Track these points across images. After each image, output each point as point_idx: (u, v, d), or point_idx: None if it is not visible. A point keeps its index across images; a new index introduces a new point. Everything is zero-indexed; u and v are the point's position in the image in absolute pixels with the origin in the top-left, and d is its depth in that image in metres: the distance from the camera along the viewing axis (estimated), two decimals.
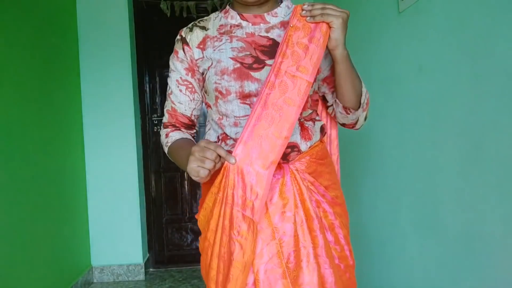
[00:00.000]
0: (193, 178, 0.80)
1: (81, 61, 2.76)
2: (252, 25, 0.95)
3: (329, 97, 1.03)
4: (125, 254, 2.82)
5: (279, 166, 0.94)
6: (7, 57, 1.90)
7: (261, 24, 0.95)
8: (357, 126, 1.05)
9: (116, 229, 2.79)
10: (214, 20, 1.00)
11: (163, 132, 1.07)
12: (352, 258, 1.04)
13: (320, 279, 0.90)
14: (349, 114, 0.97)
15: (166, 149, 1.04)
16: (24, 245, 1.95)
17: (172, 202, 3.11)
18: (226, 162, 0.81)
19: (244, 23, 0.96)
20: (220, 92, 0.96)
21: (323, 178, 0.99)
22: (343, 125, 1.07)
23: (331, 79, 0.98)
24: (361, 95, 0.96)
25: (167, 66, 3.11)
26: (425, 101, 1.37)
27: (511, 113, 0.97)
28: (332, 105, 1.03)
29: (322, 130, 1.04)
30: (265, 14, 0.95)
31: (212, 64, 0.96)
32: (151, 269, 3.03)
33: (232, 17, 0.97)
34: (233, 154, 0.81)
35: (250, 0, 0.91)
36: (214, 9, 2.96)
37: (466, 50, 1.13)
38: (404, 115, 1.54)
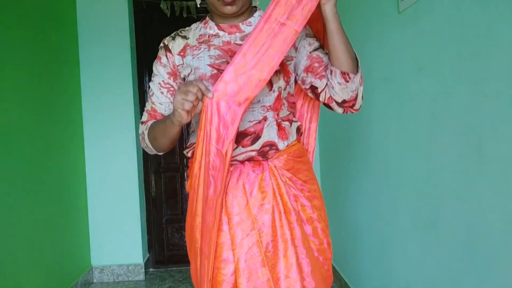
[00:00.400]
0: (178, 113, 0.87)
1: (81, 61, 2.76)
2: (228, 34, 1.05)
3: (318, 83, 1.02)
4: (125, 254, 2.82)
5: (259, 163, 1.02)
6: (7, 57, 1.90)
7: (237, 33, 1.05)
8: (357, 105, 1.01)
9: (116, 229, 2.79)
10: (194, 30, 1.09)
11: (140, 128, 1.11)
12: (330, 251, 1.09)
13: (298, 267, 0.96)
14: (348, 81, 0.94)
15: (146, 135, 1.07)
16: (24, 245, 1.95)
17: (172, 202, 3.11)
18: (206, 100, 0.89)
19: (221, 33, 1.05)
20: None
21: (301, 174, 1.06)
22: (343, 105, 1.00)
23: (313, 66, 1.02)
24: (356, 59, 0.97)
25: None
26: (425, 101, 1.37)
27: (511, 113, 0.97)
28: (324, 89, 1.01)
29: (299, 130, 1.11)
30: (240, 24, 1.05)
31: (191, 71, 1.05)
32: (151, 269, 3.03)
33: (210, 27, 1.07)
34: (212, 90, 0.89)
35: (229, 12, 0.99)
36: None
37: (466, 50, 1.13)
38: (404, 115, 1.54)
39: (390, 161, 1.68)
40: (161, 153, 1.12)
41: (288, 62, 1.05)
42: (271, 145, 1.02)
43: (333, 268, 2.62)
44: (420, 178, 1.43)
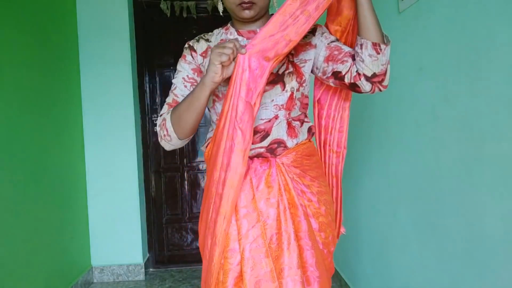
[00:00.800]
0: (214, 67, 0.93)
1: (81, 61, 2.76)
2: (246, 39, 1.10)
3: (340, 67, 1.05)
4: (125, 254, 2.82)
5: (267, 160, 1.07)
6: (7, 57, 1.90)
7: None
8: (386, 81, 1.02)
9: (116, 229, 2.79)
10: (217, 35, 1.16)
11: (159, 120, 1.10)
12: (334, 245, 1.16)
13: (301, 260, 1.02)
14: (379, 53, 0.97)
15: (168, 120, 1.06)
16: (24, 245, 1.95)
17: (172, 202, 3.11)
18: (238, 57, 0.95)
19: (240, 38, 1.11)
20: (217, 95, 1.10)
21: (310, 171, 1.11)
22: (372, 79, 1.01)
23: (332, 55, 1.06)
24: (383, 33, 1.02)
25: (167, 66, 3.13)
26: (425, 101, 1.37)
27: (511, 113, 0.97)
28: (349, 70, 1.03)
29: (310, 130, 1.15)
30: (257, 29, 1.10)
31: None
32: (151, 269, 3.03)
33: (231, 33, 1.14)
34: (246, 48, 0.95)
35: (247, 16, 1.04)
36: (214, 9, 2.96)
37: (466, 50, 1.13)
38: (404, 115, 1.54)
39: (390, 161, 1.68)
40: (181, 142, 1.10)
41: (301, 65, 1.09)
42: (280, 143, 1.07)
43: (334, 268, 2.62)
44: (420, 178, 1.43)
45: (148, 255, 3.02)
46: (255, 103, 0.96)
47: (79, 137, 2.73)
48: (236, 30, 1.13)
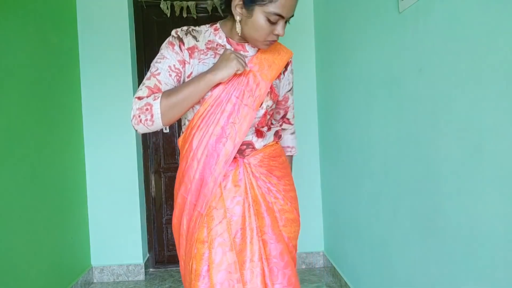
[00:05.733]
0: (231, 70, 1.06)
1: (81, 61, 2.76)
2: (234, 49, 1.16)
3: (276, 112, 1.38)
4: (125, 254, 2.82)
5: (235, 160, 1.17)
6: (7, 57, 1.90)
7: (241, 51, 1.17)
8: None
9: (116, 229, 2.79)
10: (204, 34, 1.19)
11: (138, 103, 1.09)
12: (296, 239, 1.28)
13: (265, 253, 1.13)
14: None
15: (155, 105, 1.07)
16: (24, 245, 1.95)
17: (172, 202, 3.10)
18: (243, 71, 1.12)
19: (228, 46, 1.17)
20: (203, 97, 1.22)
21: (276, 171, 1.23)
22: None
23: (280, 102, 1.34)
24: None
25: None
26: (425, 101, 1.37)
27: (511, 113, 0.97)
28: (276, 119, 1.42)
29: (277, 133, 1.29)
30: (246, 44, 1.18)
31: (192, 74, 1.15)
32: (151, 269, 3.03)
33: (220, 36, 1.18)
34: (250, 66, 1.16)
35: (265, 49, 1.16)
36: (214, 9, 2.97)
37: (466, 50, 1.13)
38: (404, 115, 1.54)
39: (390, 161, 1.68)
40: (161, 128, 1.14)
41: (276, 87, 1.23)
42: (248, 144, 1.18)
43: (334, 268, 2.62)
44: (420, 178, 1.43)
45: (148, 255, 3.02)
46: (256, 109, 1.14)
47: (79, 137, 2.73)
48: (226, 36, 1.18)
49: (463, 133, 1.16)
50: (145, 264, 2.89)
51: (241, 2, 1.07)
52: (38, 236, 2.10)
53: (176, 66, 1.14)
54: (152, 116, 1.07)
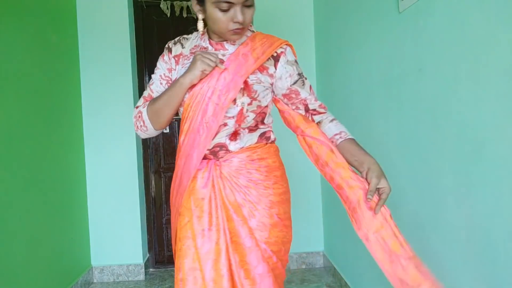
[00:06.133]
0: (196, 71, 1.09)
1: (81, 61, 2.76)
2: (214, 50, 1.19)
3: (294, 108, 1.24)
4: (125, 254, 2.82)
5: (207, 161, 1.18)
6: (7, 57, 1.90)
7: (221, 50, 1.19)
8: None
9: (116, 229, 2.79)
10: (193, 40, 1.24)
11: (135, 112, 1.24)
12: (283, 245, 1.21)
13: (225, 254, 1.11)
14: None
15: (144, 112, 1.20)
16: (24, 245, 1.95)
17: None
18: (216, 69, 1.12)
19: (210, 47, 1.20)
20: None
21: (256, 174, 1.18)
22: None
23: (290, 96, 1.22)
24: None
25: None
26: (425, 101, 1.37)
27: (511, 113, 0.97)
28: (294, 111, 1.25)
29: (263, 135, 1.23)
30: (225, 42, 1.19)
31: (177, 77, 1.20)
32: (151, 269, 3.03)
33: (204, 40, 1.22)
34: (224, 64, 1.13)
35: (235, 39, 1.15)
36: None
37: (466, 50, 1.13)
38: (404, 115, 1.54)
39: (390, 161, 1.68)
40: (157, 132, 1.24)
41: (255, 83, 1.16)
42: (222, 147, 1.18)
43: (334, 268, 2.62)
44: (420, 178, 1.43)
45: (148, 255, 3.02)
46: (222, 104, 1.12)
47: (79, 137, 2.73)
48: (208, 38, 1.21)
49: (463, 133, 1.16)
50: (145, 264, 2.89)
51: (195, 1, 1.13)
52: (38, 236, 2.10)
53: (166, 74, 1.24)
54: (144, 122, 1.20)
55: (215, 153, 1.18)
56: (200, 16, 1.15)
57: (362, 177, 1.11)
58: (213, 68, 1.11)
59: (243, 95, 1.14)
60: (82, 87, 2.77)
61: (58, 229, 2.33)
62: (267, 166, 1.20)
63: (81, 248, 2.68)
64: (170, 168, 3.09)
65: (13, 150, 1.91)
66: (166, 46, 1.26)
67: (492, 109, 1.03)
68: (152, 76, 1.26)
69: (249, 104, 1.16)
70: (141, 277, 2.82)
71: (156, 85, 1.24)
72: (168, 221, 3.10)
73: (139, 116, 1.21)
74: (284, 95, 1.22)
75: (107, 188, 2.78)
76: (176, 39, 1.27)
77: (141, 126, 1.21)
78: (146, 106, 1.20)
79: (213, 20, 1.10)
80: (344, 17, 2.24)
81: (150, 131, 1.22)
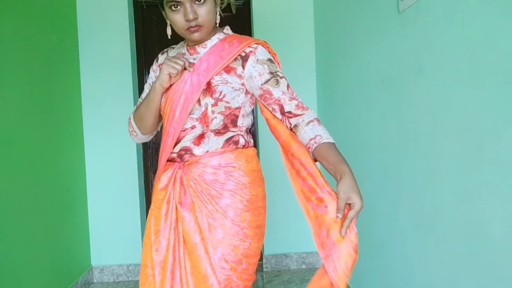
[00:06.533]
0: (163, 75, 1.13)
1: (81, 61, 2.76)
2: (190, 55, 1.24)
3: (271, 110, 1.21)
4: (125, 254, 2.82)
5: (173, 164, 1.21)
6: (7, 57, 1.90)
7: (194, 54, 1.23)
8: None
9: (116, 229, 2.79)
10: (178, 48, 1.31)
11: (129, 117, 1.32)
12: (242, 253, 1.15)
13: (172, 257, 1.14)
14: None
15: (131, 118, 1.29)
16: (24, 245, 1.95)
17: None
18: (185, 73, 1.16)
19: (187, 53, 1.25)
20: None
21: (219, 177, 1.16)
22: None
23: (265, 96, 1.18)
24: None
25: None
26: (425, 101, 1.37)
27: (511, 113, 0.97)
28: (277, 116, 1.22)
29: (229, 140, 1.19)
30: (197, 46, 1.22)
31: None
32: None
33: (184, 47, 1.28)
34: (193, 67, 1.17)
35: (195, 38, 1.17)
36: None
37: (466, 50, 1.13)
38: (404, 115, 1.54)
39: (390, 161, 1.68)
40: (146, 137, 1.32)
41: (220, 83, 1.16)
42: (187, 150, 1.18)
43: None
44: (420, 178, 1.43)
45: None
46: (187, 108, 1.15)
47: (79, 137, 2.73)
48: (186, 45, 1.26)
49: (463, 133, 1.16)
50: None
51: (161, 9, 1.22)
52: (38, 236, 2.10)
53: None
54: (133, 127, 1.30)
55: (181, 156, 1.19)
56: (168, 22, 1.22)
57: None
58: (182, 70, 1.15)
59: (205, 96, 1.15)
60: (82, 87, 2.77)
61: (58, 229, 2.33)
62: (232, 172, 1.17)
63: (81, 248, 2.68)
64: None
65: (13, 150, 1.90)
66: (157, 57, 1.35)
67: (492, 109, 1.03)
68: (144, 86, 1.36)
69: (214, 105, 1.15)
70: None
71: (145, 93, 1.32)
72: None
73: (129, 122, 1.31)
74: (260, 96, 1.19)
75: (107, 188, 2.78)
76: (165, 50, 1.35)
77: (132, 131, 1.31)
78: (133, 112, 1.30)
79: (172, 22, 1.17)
80: (344, 17, 2.24)
81: (139, 136, 1.31)
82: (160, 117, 1.27)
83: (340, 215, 1.02)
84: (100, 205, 2.78)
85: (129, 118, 1.30)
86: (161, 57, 1.33)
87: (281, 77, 1.17)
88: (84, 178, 2.77)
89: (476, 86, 1.10)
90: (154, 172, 3.08)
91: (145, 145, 3.03)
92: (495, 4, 1.01)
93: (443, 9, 1.23)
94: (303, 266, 2.89)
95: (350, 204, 1.01)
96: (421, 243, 1.44)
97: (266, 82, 1.15)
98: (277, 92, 1.15)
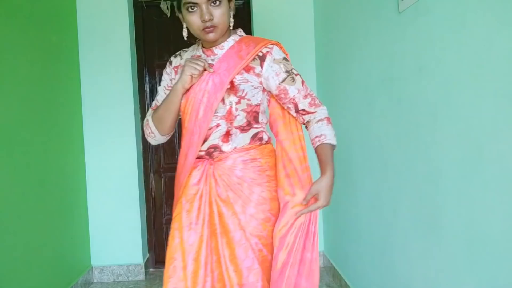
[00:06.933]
0: (185, 76, 1.19)
1: (81, 61, 2.76)
2: (206, 56, 1.29)
3: (286, 108, 1.31)
4: (125, 254, 2.82)
5: (202, 161, 1.27)
6: (7, 57, 1.90)
7: (211, 56, 1.28)
8: None
9: (116, 229, 2.79)
10: (191, 52, 1.36)
11: (144, 121, 1.37)
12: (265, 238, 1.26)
13: (206, 247, 1.22)
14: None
15: (150, 120, 1.32)
16: (24, 245, 1.95)
17: (172, 202, 3.07)
18: (205, 73, 1.22)
19: (203, 55, 1.30)
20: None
21: (250, 173, 1.25)
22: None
23: (280, 97, 1.27)
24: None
25: None
26: (425, 101, 1.37)
27: (511, 113, 0.97)
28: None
29: (255, 136, 1.29)
30: (214, 48, 1.27)
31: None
32: (151, 269, 3.03)
33: (198, 50, 1.33)
34: (213, 68, 1.23)
35: (211, 39, 1.21)
36: None
37: (466, 50, 1.13)
38: (404, 115, 1.54)
39: (390, 161, 1.68)
40: (164, 138, 1.35)
41: (242, 82, 1.24)
42: (216, 148, 1.25)
43: (334, 268, 2.62)
44: (420, 178, 1.43)
45: (148, 255, 3.02)
46: (212, 105, 1.21)
47: (79, 137, 2.73)
48: (202, 47, 1.31)
49: (463, 133, 1.16)
50: (145, 264, 2.89)
51: (178, 12, 1.26)
52: (38, 236, 2.10)
53: (169, 85, 1.36)
54: (151, 129, 1.32)
55: (210, 153, 1.26)
56: (184, 24, 1.26)
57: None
58: (202, 72, 1.21)
59: (229, 94, 1.22)
60: (82, 87, 2.77)
61: (58, 229, 2.33)
62: (260, 166, 1.26)
63: (81, 248, 2.68)
64: (170, 168, 3.09)
65: (13, 150, 1.90)
66: (169, 60, 1.39)
67: (492, 109, 1.03)
68: (158, 88, 1.40)
69: (238, 103, 1.23)
70: (141, 277, 2.82)
71: (161, 95, 1.36)
72: (168, 221, 3.10)
73: (147, 124, 1.33)
74: (276, 96, 1.27)
75: (107, 188, 2.78)
76: (176, 53, 1.39)
77: (149, 133, 1.34)
78: (151, 115, 1.33)
79: (188, 23, 1.21)
80: (344, 17, 2.24)
81: (157, 137, 1.34)
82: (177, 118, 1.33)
83: (304, 202, 1.21)
84: (100, 205, 2.78)
85: (146, 121, 1.34)
86: (175, 60, 1.37)
87: (296, 74, 1.26)
88: (84, 178, 2.77)
89: (476, 86, 1.10)
90: (154, 172, 3.08)
91: (145, 145, 3.03)
92: (495, 4, 1.01)
93: (443, 9, 1.23)
94: None
95: (316, 197, 1.20)
96: (421, 243, 1.44)
97: (283, 81, 1.24)
98: (293, 90, 1.25)
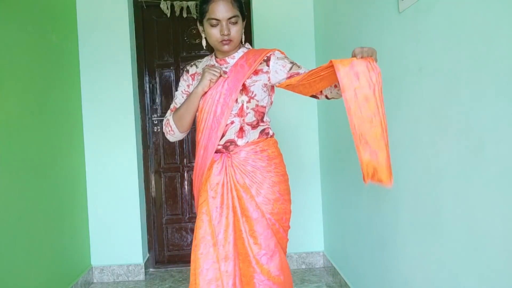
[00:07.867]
0: (206, 81, 1.43)
1: (81, 61, 2.76)
2: (220, 65, 1.54)
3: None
4: (125, 254, 2.82)
5: (220, 155, 1.50)
6: (7, 57, 1.90)
7: (224, 65, 1.53)
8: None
9: (116, 229, 2.79)
10: (205, 62, 1.60)
11: (164, 121, 1.59)
12: (284, 214, 1.53)
13: (234, 226, 1.46)
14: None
15: (171, 119, 1.54)
16: (24, 245, 1.95)
17: (172, 202, 3.11)
18: (221, 78, 1.46)
19: (216, 64, 1.55)
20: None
21: (259, 162, 1.49)
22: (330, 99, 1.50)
23: (293, 78, 1.43)
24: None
25: (167, 66, 3.24)
26: (425, 102, 1.37)
27: (511, 113, 0.97)
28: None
29: (263, 131, 1.54)
30: (226, 57, 1.53)
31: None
32: (151, 269, 3.03)
33: (212, 60, 1.58)
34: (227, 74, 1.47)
35: (226, 49, 1.48)
36: None
37: (466, 50, 1.13)
38: (404, 115, 1.54)
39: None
40: (182, 135, 1.57)
41: (251, 84, 1.47)
42: (232, 142, 1.49)
43: (334, 268, 2.62)
44: (420, 178, 1.43)
45: (148, 255, 3.02)
46: (228, 103, 1.44)
47: (79, 137, 2.73)
48: (215, 57, 1.56)
49: (463, 133, 1.16)
50: (145, 264, 2.89)
51: (198, 24, 1.51)
52: (38, 236, 2.10)
53: (186, 90, 1.60)
54: (171, 127, 1.55)
55: (227, 147, 1.50)
56: (203, 35, 1.51)
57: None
58: (218, 78, 1.44)
59: (242, 94, 1.47)
60: (82, 87, 2.77)
61: (58, 229, 2.33)
62: (268, 156, 1.51)
63: (81, 248, 2.68)
64: (170, 168, 3.09)
65: (13, 150, 1.90)
66: (185, 69, 1.64)
67: (492, 109, 1.03)
68: (176, 92, 1.63)
69: (248, 102, 1.48)
70: (141, 277, 2.82)
71: (179, 98, 1.59)
72: (168, 221, 3.10)
73: (167, 123, 1.56)
74: (288, 78, 1.44)
75: (107, 188, 2.78)
76: (192, 63, 1.64)
77: (169, 130, 1.55)
78: (171, 115, 1.55)
79: (208, 35, 1.46)
80: (344, 17, 2.24)
81: (176, 134, 1.56)
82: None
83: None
84: (100, 205, 2.78)
85: (167, 120, 1.56)
86: (191, 69, 1.61)
87: (299, 65, 1.47)
88: (84, 178, 2.77)
89: (476, 86, 1.10)
90: (154, 172, 3.08)
91: (145, 145, 3.03)
92: (495, 3, 1.01)
93: (443, 9, 1.23)
94: (303, 266, 2.90)
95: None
96: (421, 243, 1.44)
97: (290, 69, 1.45)
98: (303, 69, 1.43)
